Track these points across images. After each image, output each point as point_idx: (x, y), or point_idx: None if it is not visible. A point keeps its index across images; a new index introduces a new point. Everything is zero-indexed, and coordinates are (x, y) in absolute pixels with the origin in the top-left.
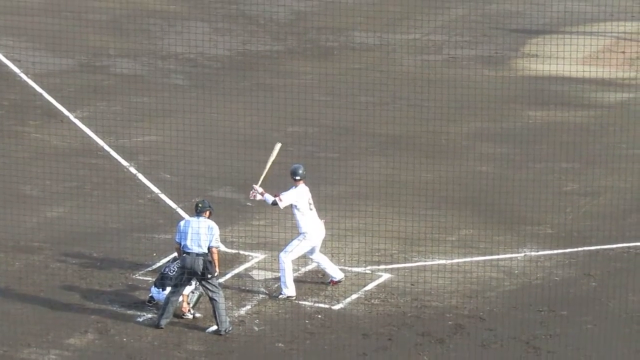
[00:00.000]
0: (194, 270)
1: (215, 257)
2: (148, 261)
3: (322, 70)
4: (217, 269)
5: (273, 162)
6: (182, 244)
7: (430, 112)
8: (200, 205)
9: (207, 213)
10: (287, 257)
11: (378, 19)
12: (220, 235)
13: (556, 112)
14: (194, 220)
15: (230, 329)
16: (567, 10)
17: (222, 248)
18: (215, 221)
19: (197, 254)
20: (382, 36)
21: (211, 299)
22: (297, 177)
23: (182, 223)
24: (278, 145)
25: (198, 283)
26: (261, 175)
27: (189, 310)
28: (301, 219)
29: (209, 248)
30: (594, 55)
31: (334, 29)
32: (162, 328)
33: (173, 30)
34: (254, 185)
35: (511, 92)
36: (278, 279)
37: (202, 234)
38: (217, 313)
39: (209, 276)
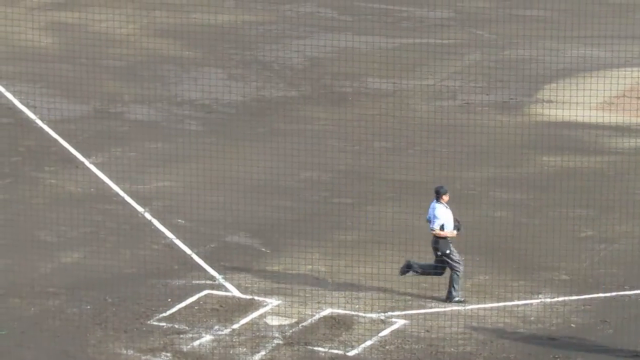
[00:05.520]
0: None
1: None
2: (163, 307)
3: (337, 116)
4: None
5: None
6: None
7: (444, 157)
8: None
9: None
10: None
11: (392, 65)
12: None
13: (571, 158)
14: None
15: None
16: (582, 56)
17: (237, 294)
18: (229, 267)
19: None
20: (397, 82)
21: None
22: None
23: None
24: None
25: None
26: None
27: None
28: None
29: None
30: (609, 101)
31: (348, 75)
32: None
33: (187, 76)
34: None
35: (526, 137)
36: (293, 325)
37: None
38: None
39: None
